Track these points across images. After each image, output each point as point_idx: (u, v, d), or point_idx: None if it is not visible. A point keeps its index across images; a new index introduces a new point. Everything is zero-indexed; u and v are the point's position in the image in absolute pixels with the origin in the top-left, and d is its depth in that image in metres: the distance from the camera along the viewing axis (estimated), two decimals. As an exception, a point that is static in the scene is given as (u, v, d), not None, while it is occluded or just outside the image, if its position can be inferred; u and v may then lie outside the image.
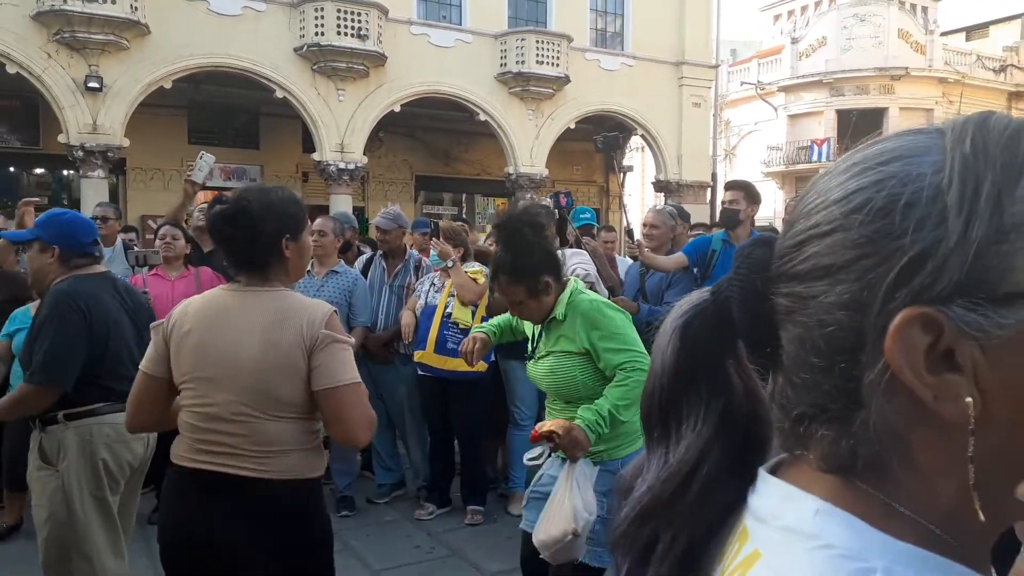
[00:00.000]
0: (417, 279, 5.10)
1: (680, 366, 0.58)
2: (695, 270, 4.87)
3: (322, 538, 2.20)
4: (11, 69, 12.71)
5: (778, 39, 30.60)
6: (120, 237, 6.54)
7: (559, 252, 4.92)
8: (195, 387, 2.10)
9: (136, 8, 13.00)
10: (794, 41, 28.17)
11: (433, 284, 4.82)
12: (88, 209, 13.48)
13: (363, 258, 5.54)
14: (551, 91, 16.94)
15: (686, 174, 18.97)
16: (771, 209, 23.32)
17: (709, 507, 0.57)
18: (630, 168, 23.90)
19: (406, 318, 4.86)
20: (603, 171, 21.90)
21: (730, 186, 5.11)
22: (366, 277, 5.16)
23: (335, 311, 2.12)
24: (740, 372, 0.58)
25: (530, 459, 2.55)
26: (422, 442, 5.18)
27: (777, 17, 35.55)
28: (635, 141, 23.08)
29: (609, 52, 18.35)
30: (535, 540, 2.54)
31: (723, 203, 5.06)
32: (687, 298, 0.61)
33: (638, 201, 31.84)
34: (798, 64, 27.88)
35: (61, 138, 13.19)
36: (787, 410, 0.54)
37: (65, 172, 15.62)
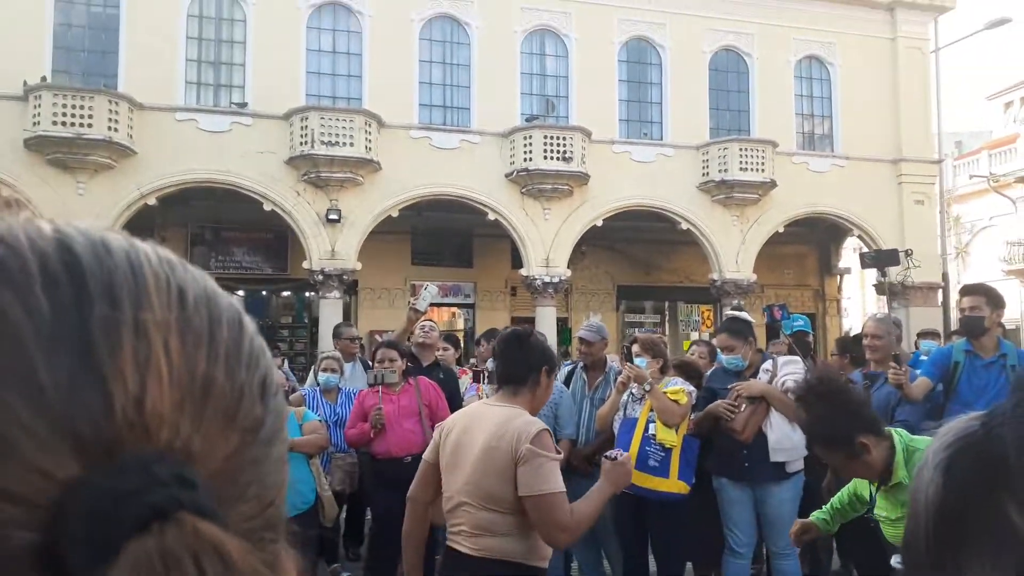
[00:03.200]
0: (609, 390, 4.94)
1: (946, 508, 0.48)
2: (938, 386, 4.45)
3: None
4: (267, 207, 14.74)
5: (1011, 127, 28.09)
6: (358, 355, 7.14)
7: (769, 360, 4.72)
8: (445, 477, 2.61)
9: (370, 148, 14.69)
10: (1031, 127, 25.72)
11: (632, 394, 4.60)
12: (328, 325, 14.96)
13: (565, 370, 5.60)
14: (756, 196, 16.65)
15: (913, 275, 17.56)
16: (1016, 311, 20.83)
17: None
18: (847, 270, 22.54)
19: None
20: (817, 274, 20.88)
21: (968, 291, 4.67)
22: (568, 388, 5.18)
23: (546, 429, 2.48)
24: None
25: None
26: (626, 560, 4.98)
27: (1008, 104, 32.77)
28: (851, 242, 21.91)
29: (818, 154, 17.82)
30: None
31: (961, 309, 4.62)
32: (949, 427, 0.51)
33: (858, 305, 29.77)
34: (1037, 151, 25.31)
35: (305, 264, 14.93)
36: None
37: (307, 294, 17.54)
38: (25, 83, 13.37)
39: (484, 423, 2.58)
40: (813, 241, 20.28)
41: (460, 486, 2.53)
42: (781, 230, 17.28)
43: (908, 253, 16.38)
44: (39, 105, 13.19)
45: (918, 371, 4.78)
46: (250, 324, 0.43)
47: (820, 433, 2.69)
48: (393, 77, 15.50)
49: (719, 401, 4.51)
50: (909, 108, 18.03)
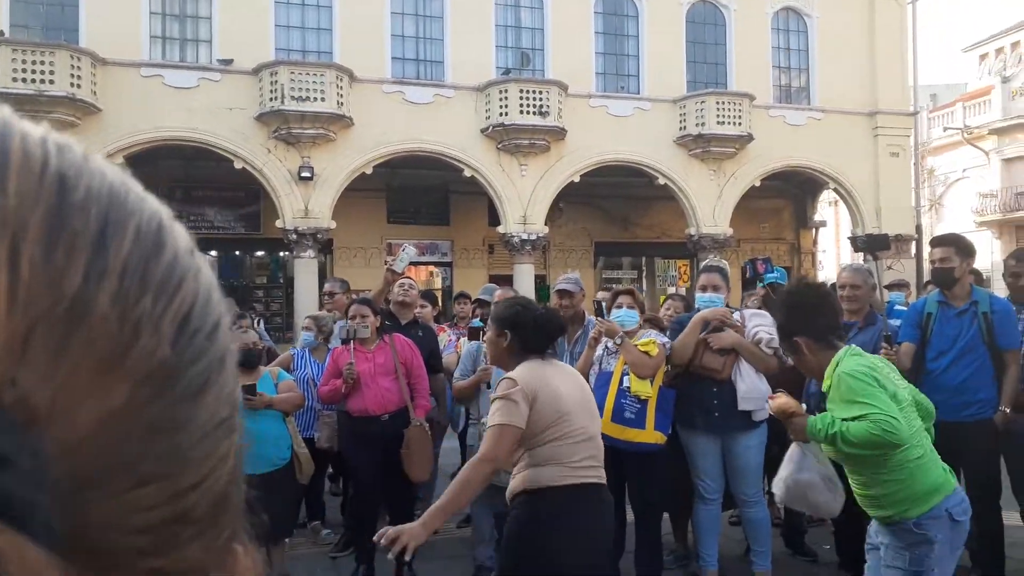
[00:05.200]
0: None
1: None
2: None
3: None
4: (238, 165, 14.44)
5: (986, 79, 28.17)
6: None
7: (738, 313, 4.74)
8: (563, 421, 2.90)
9: (342, 103, 14.39)
10: (1005, 80, 25.78)
11: (607, 348, 4.59)
12: (304, 285, 14.87)
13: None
14: (733, 150, 16.61)
15: (886, 227, 17.64)
16: (988, 260, 21.10)
17: None
18: (823, 223, 22.68)
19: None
20: (793, 228, 20.99)
21: (938, 242, 4.65)
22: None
23: None
24: None
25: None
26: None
27: (983, 57, 32.80)
28: (826, 195, 22.00)
29: (795, 107, 17.78)
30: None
31: (932, 261, 4.61)
32: None
33: (832, 258, 30.06)
34: (1011, 104, 25.42)
35: (278, 223, 14.70)
36: None
37: (281, 253, 17.33)
38: (-19, 38, 12.89)
39: (558, 373, 3.05)
40: (789, 195, 20.34)
41: (592, 423, 3.01)
42: (758, 184, 17.30)
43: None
44: (-3, 61, 12.75)
45: (896, 321, 4.79)
46: (182, 239, 0.32)
47: (777, 324, 3.12)
48: (364, 30, 15.13)
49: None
50: (885, 61, 17.98)
